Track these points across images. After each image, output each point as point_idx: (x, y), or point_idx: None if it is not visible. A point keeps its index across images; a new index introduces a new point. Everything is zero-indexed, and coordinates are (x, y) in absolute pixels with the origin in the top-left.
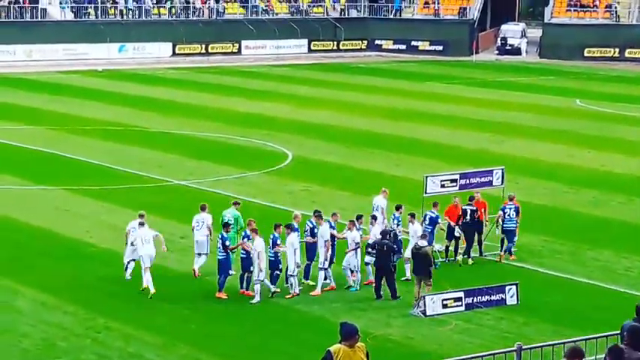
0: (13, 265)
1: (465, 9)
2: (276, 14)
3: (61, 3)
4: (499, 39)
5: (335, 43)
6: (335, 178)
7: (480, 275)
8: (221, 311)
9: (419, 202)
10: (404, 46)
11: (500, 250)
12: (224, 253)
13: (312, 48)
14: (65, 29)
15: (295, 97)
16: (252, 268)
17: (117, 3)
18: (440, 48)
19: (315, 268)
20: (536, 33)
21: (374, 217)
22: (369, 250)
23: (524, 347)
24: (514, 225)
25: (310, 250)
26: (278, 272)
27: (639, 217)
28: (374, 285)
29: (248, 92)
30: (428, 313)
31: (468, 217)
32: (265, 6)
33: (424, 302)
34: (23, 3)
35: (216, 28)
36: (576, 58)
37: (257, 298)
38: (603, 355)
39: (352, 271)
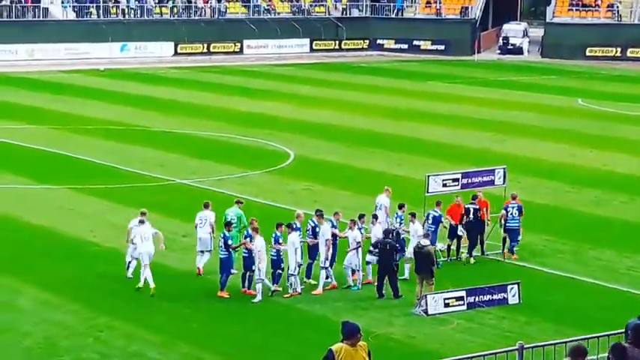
0: (16, 264)
1: (466, 8)
2: (278, 14)
3: (63, 2)
4: (501, 38)
5: (337, 42)
6: (336, 178)
7: (482, 274)
8: (222, 310)
9: (420, 201)
10: (406, 46)
11: (503, 249)
12: (226, 252)
13: (314, 47)
14: (67, 29)
15: (297, 96)
16: (254, 267)
17: (119, 2)
18: (442, 47)
19: (316, 267)
20: (538, 32)
21: (375, 217)
22: (372, 249)
23: (526, 346)
24: (517, 224)
25: (312, 250)
26: (280, 271)
27: None
28: (376, 284)
29: (250, 92)
30: (430, 312)
31: (472, 215)
32: (267, 5)
33: (426, 301)
34: (25, 2)
35: (218, 27)
36: (578, 58)
37: (259, 297)
38: (606, 354)
39: (354, 271)
